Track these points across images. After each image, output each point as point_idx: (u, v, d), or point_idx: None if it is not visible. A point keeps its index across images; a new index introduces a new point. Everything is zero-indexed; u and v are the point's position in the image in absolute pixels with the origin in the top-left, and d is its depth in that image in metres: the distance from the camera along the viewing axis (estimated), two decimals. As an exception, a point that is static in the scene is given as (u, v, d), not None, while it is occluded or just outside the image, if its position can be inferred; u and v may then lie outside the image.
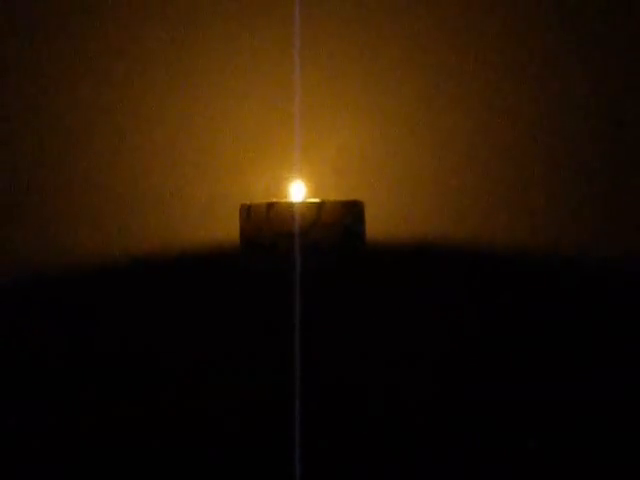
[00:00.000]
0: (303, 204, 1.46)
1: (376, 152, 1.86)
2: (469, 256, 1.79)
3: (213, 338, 1.53)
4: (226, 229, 1.75)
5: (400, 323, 1.53)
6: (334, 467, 1.25)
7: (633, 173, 1.84)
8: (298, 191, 1.58)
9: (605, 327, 1.57)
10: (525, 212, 1.84)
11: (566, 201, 1.84)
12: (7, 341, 1.59)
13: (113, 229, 1.86)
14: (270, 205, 1.46)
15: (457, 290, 1.66)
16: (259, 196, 1.72)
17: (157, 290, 1.71)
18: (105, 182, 1.87)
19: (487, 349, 1.51)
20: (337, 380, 1.40)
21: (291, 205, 1.46)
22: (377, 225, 1.71)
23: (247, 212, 1.48)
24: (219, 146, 1.87)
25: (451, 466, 1.25)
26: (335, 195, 1.57)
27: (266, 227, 1.45)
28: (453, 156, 1.86)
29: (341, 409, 1.35)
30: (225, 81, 1.88)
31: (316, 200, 1.47)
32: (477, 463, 1.25)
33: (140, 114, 1.88)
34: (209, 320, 1.58)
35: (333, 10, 1.86)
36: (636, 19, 1.85)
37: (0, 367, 1.51)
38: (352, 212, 1.49)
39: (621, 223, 1.83)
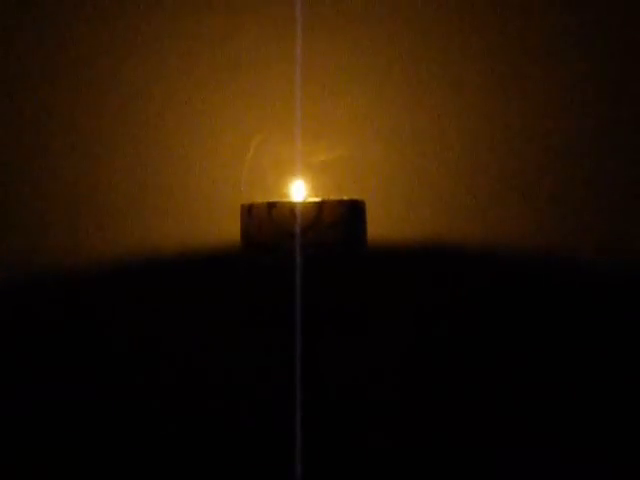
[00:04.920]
0: (304, 204, 1.46)
1: (377, 151, 1.86)
2: (471, 256, 1.79)
3: (213, 338, 1.53)
4: (226, 229, 1.75)
5: (401, 323, 1.53)
6: (334, 467, 1.25)
7: (635, 174, 1.84)
8: (298, 191, 1.58)
9: (605, 328, 1.57)
10: (527, 212, 1.84)
11: (568, 202, 1.84)
12: (7, 341, 1.59)
13: (112, 229, 1.85)
14: (271, 205, 1.46)
15: (459, 290, 1.66)
16: (259, 196, 1.72)
17: (157, 290, 1.71)
18: (104, 182, 1.87)
19: (488, 349, 1.51)
20: (338, 379, 1.40)
21: (292, 205, 1.45)
22: (378, 225, 1.71)
23: (248, 212, 1.48)
24: (219, 146, 1.87)
25: (452, 467, 1.25)
26: (335, 195, 1.57)
27: (267, 227, 1.45)
28: (455, 156, 1.86)
29: (342, 409, 1.35)
30: (225, 80, 1.88)
31: (316, 199, 1.47)
32: (478, 465, 1.25)
33: (139, 114, 1.88)
34: (209, 320, 1.58)
35: (336, 10, 1.86)
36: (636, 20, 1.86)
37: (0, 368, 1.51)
38: (352, 212, 1.49)
39: (623, 223, 1.82)
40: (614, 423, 1.32)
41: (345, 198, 1.49)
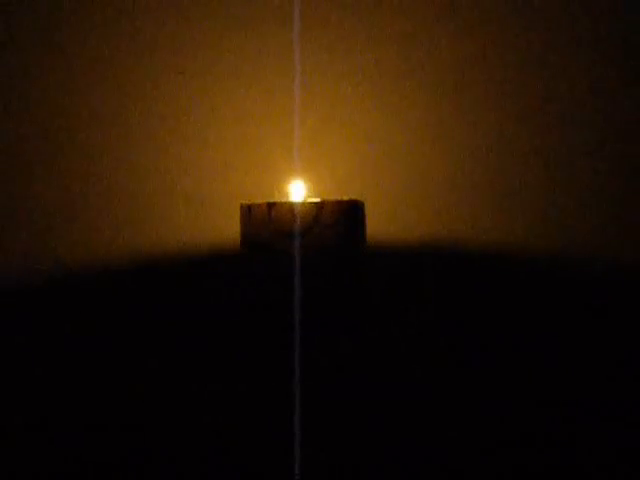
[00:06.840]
0: (303, 204, 1.46)
1: (377, 152, 1.86)
2: (469, 256, 1.79)
3: (213, 338, 1.53)
4: (226, 229, 1.75)
5: (400, 322, 1.53)
6: (334, 467, 1.25)
7: (634, 174, 1.84)
8: (298, 191, 1.58)
9: (605, 328, 1.57)
10: (527, 212, 1.84)
11: (567, 202, 1.84)
12: (7, 342, 1.59)
13: (114, 229, 1.86)
14: (270, 205, 1.46)
15: (458, 290, 1.66)
16: (259, 196, 1.73)
17: (157, 290, 1.71)
18: (106, 183, 1.88)
19: (488, 347, 1.51)
20: (337, 379, 1.40)
21: (291, 205, 1.46)
22: (377, 225, 1.71)
23: (247, 212, 1.48)
24: (219, 147, 1.88)
25: (451, 466, 1.25)
26: (335, 195, 1.57)
27: (266, 227, 1.45)
28: (454, 157, 1.86)
29: (341, 408, 1.35)
30: (226, 82, 1.88)
31: (316, 200, 1.47)
32: (477, 463, 1.25)
33: (140, 115, 1.88)
34: (209, 320, 1.58)
35: (336, 11, 1.86)
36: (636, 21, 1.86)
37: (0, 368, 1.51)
38: (352, 212, 1.49)
39: (622, 224, 1.83)
40: (614, 424, 1.32)
41: (345, 198, 1.49)
